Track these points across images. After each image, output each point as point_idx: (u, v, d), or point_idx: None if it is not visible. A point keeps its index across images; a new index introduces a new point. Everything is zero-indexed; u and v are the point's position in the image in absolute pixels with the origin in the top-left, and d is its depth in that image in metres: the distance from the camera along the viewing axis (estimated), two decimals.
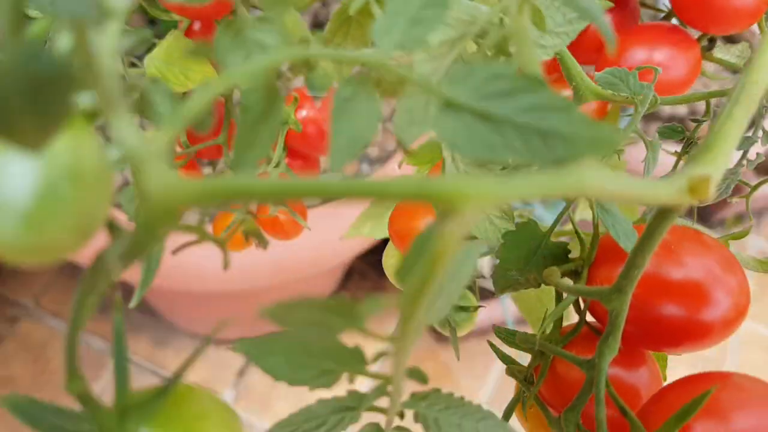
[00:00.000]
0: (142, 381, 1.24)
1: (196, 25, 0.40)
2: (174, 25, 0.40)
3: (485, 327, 1.37)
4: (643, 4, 0.46)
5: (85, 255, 0.93)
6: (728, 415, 0.25)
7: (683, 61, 0.41)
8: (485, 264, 1.36)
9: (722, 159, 0.20)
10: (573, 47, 0.45)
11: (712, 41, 0.43)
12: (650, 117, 1.34)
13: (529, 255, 0.28)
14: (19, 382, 1.21)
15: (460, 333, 0.40)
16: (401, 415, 0.24)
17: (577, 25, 0.25)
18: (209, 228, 0.53)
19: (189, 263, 0.94)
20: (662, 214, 0.22)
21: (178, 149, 0.46)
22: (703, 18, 0.41)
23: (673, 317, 0.28)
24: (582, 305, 0.29)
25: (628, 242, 0.26)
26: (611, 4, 0.43)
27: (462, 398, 0.23)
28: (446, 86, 0.17)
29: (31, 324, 1.25)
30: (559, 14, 0.25)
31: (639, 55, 0.42)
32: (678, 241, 0.28)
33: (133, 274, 0.89)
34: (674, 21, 0.44)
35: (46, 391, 1.21)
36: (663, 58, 0.42)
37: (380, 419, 0.24)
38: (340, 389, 0.22)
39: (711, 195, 0.19)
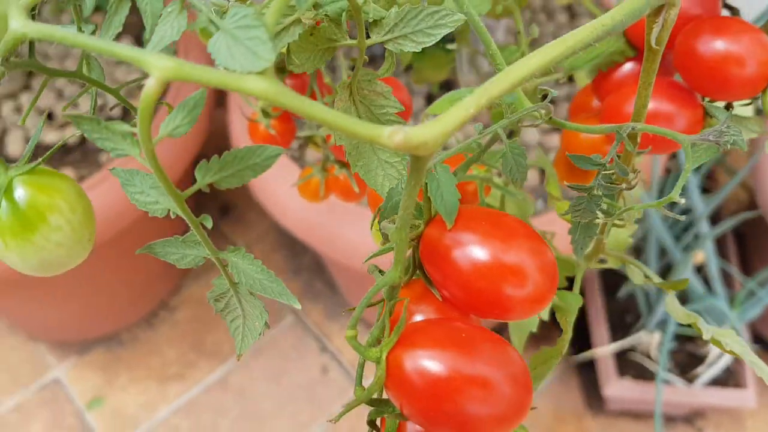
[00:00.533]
0: (306, 344, 1.40)
1: None
2: None
3: (639, 410, 1.35)
4: None
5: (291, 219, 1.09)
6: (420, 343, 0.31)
7: (684, 118, 0.45)
8: (654, 345, 1.33)
9: (435, 126, 0.27)
10: (595, 86, 0.50)
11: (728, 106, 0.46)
12: None
13: (395, 208, 0.35)
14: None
15: None
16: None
17: (443, 30, 0.32)
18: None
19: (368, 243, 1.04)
20: (415, 161, 0.29)
21: None
22: (701, 85, 0.44)
23: (483, 292, 0.33)
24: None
25: (440, 199, 0.32)
26: (633, 53, 0.47)
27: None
28: (222, 20, 0.27)
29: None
30: (432, 19, 0.32)
31: None
32: (510, 231, 0.34)
33: (325, 246, 1.00)
34: None
35: None
36: (665, 110, 0.45)
37: None
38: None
39: (395, 145, 0.26)
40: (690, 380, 1.32)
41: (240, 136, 1.13)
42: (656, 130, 0.35)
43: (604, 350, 1.33)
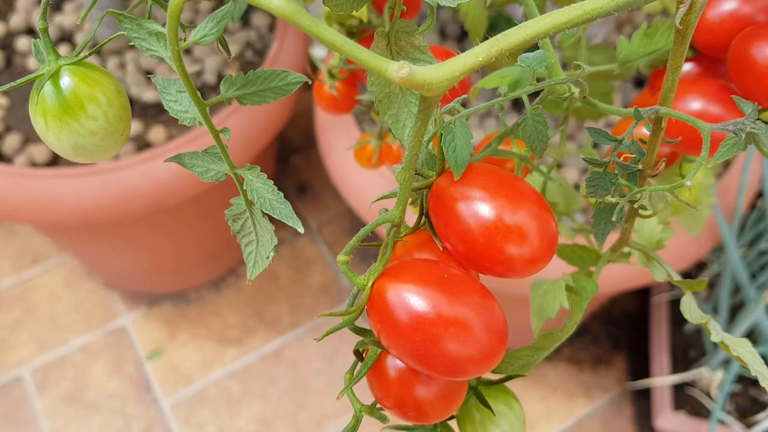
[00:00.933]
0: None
1: None
2: None
3: None
4: None
5: (357, 199, 1.12)
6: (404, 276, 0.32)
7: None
8: (715, 383, 1.29)
9: (441, 68, 0.28)
10: (650, 84, 0.50)
11: None
12: None
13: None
14: (279, 279, 1.47)
15: None
16: None
17: None
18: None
19: None
20: (422, 101, 0.30)
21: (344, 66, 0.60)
22: (753, 91, 0.43)
23: (480, 246, 0.34)
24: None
25: (452, 151, 0.33)
26: (693, 54, 0.47)
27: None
28: None
29: (308, 242, 1.50)
30: None
31: (693, 103, 0.46)
32: (518, 194, 0.35)
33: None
34: None
35: (293, 293, 1.44)
36: (714, 112, 0.45)
37: None
38: None
39: (399, 79, 0.27)
40: (748, 425, 1.27)
41: (323, 116, 1.16)
42: (678, 115, 0.35)
43: (662, 380, 1.30)
